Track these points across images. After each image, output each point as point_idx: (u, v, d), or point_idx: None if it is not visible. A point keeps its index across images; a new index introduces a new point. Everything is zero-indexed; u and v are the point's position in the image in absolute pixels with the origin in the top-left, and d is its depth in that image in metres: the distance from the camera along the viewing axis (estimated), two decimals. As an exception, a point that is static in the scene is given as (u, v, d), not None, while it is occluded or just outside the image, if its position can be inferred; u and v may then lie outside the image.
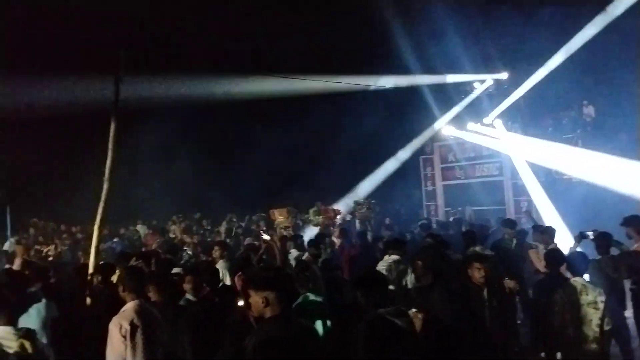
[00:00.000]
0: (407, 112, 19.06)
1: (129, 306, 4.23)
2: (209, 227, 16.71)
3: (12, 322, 3.15)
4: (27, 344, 3.02)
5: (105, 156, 7.40)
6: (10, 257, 9.08)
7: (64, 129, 14.62)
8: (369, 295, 3.87)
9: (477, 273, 5.05)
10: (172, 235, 14.98)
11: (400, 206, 19.22)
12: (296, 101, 17.33)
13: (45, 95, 15.51)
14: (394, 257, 6.90)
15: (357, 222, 15.83)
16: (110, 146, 7.43)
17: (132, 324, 4.04)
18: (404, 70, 16.77)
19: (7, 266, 8.50)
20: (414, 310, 4.15)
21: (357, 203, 15.71)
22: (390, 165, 19.47)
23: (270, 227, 14.71)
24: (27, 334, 3.09)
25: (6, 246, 14.14)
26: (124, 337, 4.00)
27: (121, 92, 7.15)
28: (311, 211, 16.01)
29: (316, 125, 18.54)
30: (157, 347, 4.19)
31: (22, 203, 15.49)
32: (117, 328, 4.02)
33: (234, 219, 17.36)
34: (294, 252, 8.11)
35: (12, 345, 3.03)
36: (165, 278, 5.56)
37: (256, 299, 3.14)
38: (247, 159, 19.04)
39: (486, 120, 17.62)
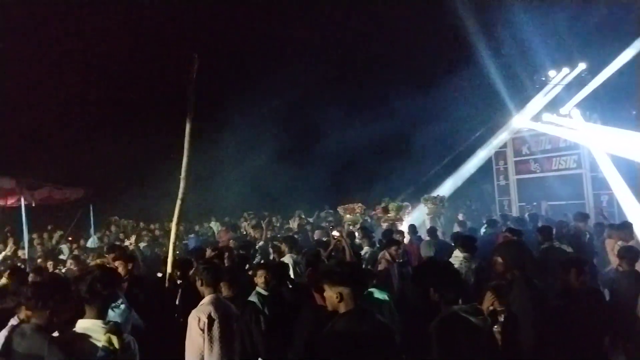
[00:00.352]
0: (479, 104, 18.53)
1: (207, 300, 4.37)
2: (277, 224, 16.97)
3: (101, 315, 3.29)
4: (114, 339, 3.15)
5: (181, 156, 7.73)
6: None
7: (143, 130, 15.32)
8: (443, 292, 3.78)
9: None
10: (243, 232, 15.34)
11: (472, 201, 18.72)
12: (364, 96, 17.30)
13: (124, 98, 16.38)
14: (464, 253, 6.74)
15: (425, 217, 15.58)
16: (185, 146, 7.74)
17: (209, 317, 4.17)
18: (478, 61, 16.31)
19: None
20: (490, 308, 4.02)
21: (426, 199, 15.41)
22: (463, 160, 18.95)
23: (339, 224, 14.74)
24: (114, 327, 3.23)
25: (89, 243, 15.03)
26: (202, 329, 4.13)
27: (196, 92, 7.40)
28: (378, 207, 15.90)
29: (386, 122, 18.40)
30: (233, 339, 4.32)
31: (104, 202, 16.33)
32: (196, 321, 4.17)
33: (303, 216, 17.57)
34: (366, 249, 8.09)
35: (100, 338, 3.17)
36: (239, 273, 5.72)
37: (330, 293, 3.16)
38: (317, 156, 19.17)
39: (563, 110, 16.82)
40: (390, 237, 8.41)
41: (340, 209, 15.59)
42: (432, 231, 10.38)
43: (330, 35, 16.65)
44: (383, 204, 15.39)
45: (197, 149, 7.67)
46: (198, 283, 4.54)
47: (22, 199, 11.67)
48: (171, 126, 8.55)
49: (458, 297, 3.73)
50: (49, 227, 15.53)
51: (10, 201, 12.70)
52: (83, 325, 3.21)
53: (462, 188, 18.47)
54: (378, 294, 5.10)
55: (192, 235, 15.66)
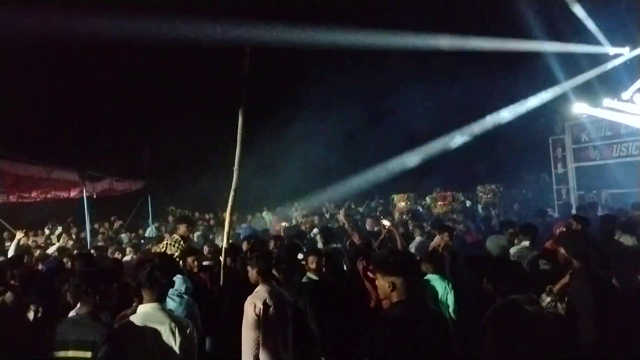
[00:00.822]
0: (534, 89, 17.91)
1: (262, 287, 4.48)
2: (327, 215, 17.05)
3: (159, 301, 3.48)
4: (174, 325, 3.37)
5: (234, 147, 7.89)
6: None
7: (198, 123, 15.68)
8: (497, 281, 3.73)
9: None
10: (293, 222, 15.52)
11: (528, 190, 18.21)
12: (420, 84, 17.03)
13: (180, 91, 16.81)
14: (525, 243, 6.56)
15: (479, 207, 15.32)
16: (238, 138, 7.90)
17: (265, 303, 4.30)
18: (534, 44, 15.73)
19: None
20: (548, 298, 3.93)
21: (480, 188, 15.12)
22: (515, 147, 18.41)
23: (390, 213, 14.70)
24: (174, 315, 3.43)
25: (147, 232, 15.61)
26: (258, 315, 4.25)
27: (248, 84, 7.51)
28: (428, 197, 15.76)
29: (435, 110, 18.10)
30: (287, 325, 4.42)
31: (162, 193, 16.87)
32: (252, 307, 4.28)
33: (352, 205, 17.61)
34: (418, 239, 8.02)
35: (160, 320, 3.37)
36: (291, 261, 5.82)
37: (382, 283, 3.16)
38: (367, 146, 19.10)
39: (624, 95, 16.03)
40: (441, 224, 8.29)
41: (391, 198, 15.54)
42: (486, 220, 10.20)
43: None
44: (434, 194, 15.23)
45: (251, 141, 7.78)
46: (251, 271, 4.65)
47: (84, 191, 12.21)
48: (226, 118, 8.71)
49: (512, 287, 3.67)
50: (112, 218, 16.17)
51: (73, 193, 13.32)
52: (142, 310, 3.44)
53: (518, 177, 18.00)
54: (437, 282, 5.03)
55: (245, 225, 15.97)
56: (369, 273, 5.79)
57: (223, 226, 12.54)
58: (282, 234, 11.16)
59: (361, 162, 18.93)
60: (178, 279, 5.12)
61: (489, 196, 14.75)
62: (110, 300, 3.83)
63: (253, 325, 4.25)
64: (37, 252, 10.12)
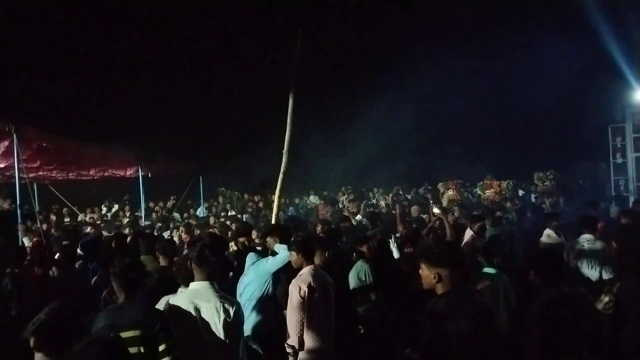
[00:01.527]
0: (593, 74, 17.14)
1: (306, 270, 4.54)
2: (373, 200, 16.99)
3: (209, 278, 3.67)
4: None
5: (284, 131, 7.99)
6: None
7: (249, 106, 15.90)
8: (543, 274, 3.65)
9: None
10: (340, 206, 15.57)
11: (584, 180, 17.51)
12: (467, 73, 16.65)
13: (231, 75, 17.04)
14: (587, 235, 6.26)
15: (533, 196, 14.89)
16: (288, 121, 7.99)
17: (309, 286, 4.36)
18: (594, 29, 15.03)
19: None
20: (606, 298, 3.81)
21: (537, 176, 14.64)
22: (572, 135, 17.66)
23: (438, 201, 14.51)
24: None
25: (198, 212, 16.03)
26: (302, 298, 4.33)
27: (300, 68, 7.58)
28: (478, 186, 15.44)
29: (487, 97, 17.66)
30: (330, 307, 4.51)
31: (213, 174, 17.23)
32: (297, 290, 4.37)
33: (400, 192, 17.46)
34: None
35: (207, 298, 3.56)
36: (333, 245, 5.86)
37: (427, 273, 3.13)
38: (415, 131, 18.84)
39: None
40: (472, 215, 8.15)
41: (440, 186, 15.29)
42: (536, 209, 9.91)
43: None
44: (486, 181, 14.88)
45: (301, 125, 7.85)
46: (295, 255, 4.69)
47: (140, 170, 12.65)
48: (277, 102, 8.82)
49: (559, 280, 3.59)
50: (172, 198, 16.58)
51: (129, 172, 13.82)
52: (193, 287, 3.68)
53: (574, 166, 17.34)
54: (487, 269, 4.94)
55: (292, 208, 16.16)
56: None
57: (271, 208, 12.77)
58: (328, 217, 11.25)
59: (410, 147, 18.73)
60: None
61: (545, 184, 14.23)
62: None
63: (298, 307, 4.33)
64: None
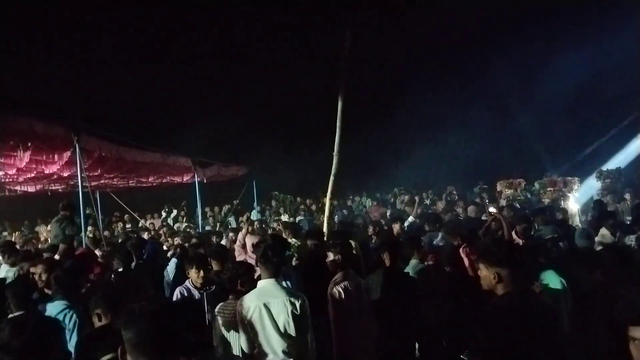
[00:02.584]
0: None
1: (340, 274, 4.66)
2: (427, 201, 16.72)
3: (274, 276, 3.92)
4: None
5: (334, 133, 7.99)
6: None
7: (301, 109, 16.01)
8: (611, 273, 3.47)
9: None
10: (391, 209, 15.43)
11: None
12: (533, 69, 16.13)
13: (281, 79, 17.19)
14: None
15: (595, 193, 14.21)
16: (338, 123, 7.98)
17: (345, 288, 4.50)
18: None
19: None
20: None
21: (601, 173, 13.97)
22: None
23: (494, 200, 14.11)
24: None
25: (252, 215, 16.25)
26: (339, 300, 4.46)
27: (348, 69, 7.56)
28: (537, 183, 14.88)
29: (545, 94, 17.01)
30: (364, 309, 4.59)
31: (266, 178, 17.42)
32: (335, 292, 4.50)
33: (454, 192, 17.12)
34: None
35: (275, 294, 3.80)
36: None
37: (487, 273, 3.00)
38: (469, 130, 18.42)
39: None
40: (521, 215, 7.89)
41: (499, 184, 14.84)
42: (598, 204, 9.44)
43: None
44: (544, 179, 14.34)
45: (353, 129, 7.82)
46: (332, 257, 4.88)
47: (196, 176, 12.96)
48: (327, 105, 8.82)
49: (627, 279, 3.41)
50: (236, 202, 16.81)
51: (186, 178, 14.20)
52: (261, 285, 3.93)
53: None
54: (551, 278, 4.52)
55: (343, 211, 16.11)
56: (472, 260, 5.62)
57: (324, 211, 12.75)
58: (381, 219, 11.17)
59: (462, 145, 18.35)
60: None
61: (607, 181, 13.57)
62: None
63: (336, 308, 4.47)
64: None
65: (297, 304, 3.81)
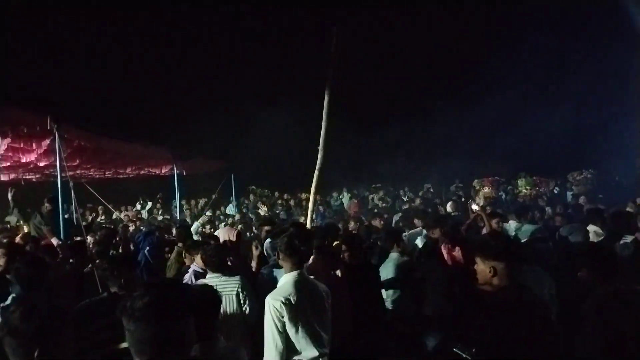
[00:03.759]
0: (629, 72, 16.66)
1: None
2: (405, 197, 16.92)
3: (299, 267, 3.64)
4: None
5: (319, 128, 7.99)
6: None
7: (282, 104, 15.94)
8: (598, 270, 3.57)
9: None
10: (369, 205, 15.56)
11: (621, 178, 17.06)
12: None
13: (262, 74, 17.13)
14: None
15: (569, 194, 14.63)
16: (324, 117, 7.98)
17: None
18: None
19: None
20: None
21: (572, 175, 14.38)
22: (608, 132, 17.09)
23: (470, 198, 14.37)
24: None
25: (229, 210, 16.17)
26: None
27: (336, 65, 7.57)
28: (518, 182, 15.21)
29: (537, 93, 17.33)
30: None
31: (244, 171, 17.33)
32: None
33: (431, 190, 17.36)
34: (512, 224, 7.74)
35: (309, 286, 3.62)
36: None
37: (483, 267, 3.06)
38: (454, 129, 18.63)
39: None
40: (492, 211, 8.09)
41: (475, 183, 15.12)
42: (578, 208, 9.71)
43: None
44: (521, 179, 14.67)
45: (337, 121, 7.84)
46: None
47: (175, 168, 12.81)
48: (311, 99, 8.83)
49: (612, 275, 3.51)
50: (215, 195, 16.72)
51: (165, 170, 14.01)
52: (285, 279, 3.63)
53: (611, 163, 16.86)
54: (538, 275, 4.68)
55: (321, 207, 16.16)
56: (454, 255, 5.73)
57: (301, 206, 12.72)
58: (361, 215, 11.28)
59: (442, 145, 18.54)
60: None
61: (580, 183, 13.98)
62: None
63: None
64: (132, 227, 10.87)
65: (329, 298, 3.69)
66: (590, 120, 17.48)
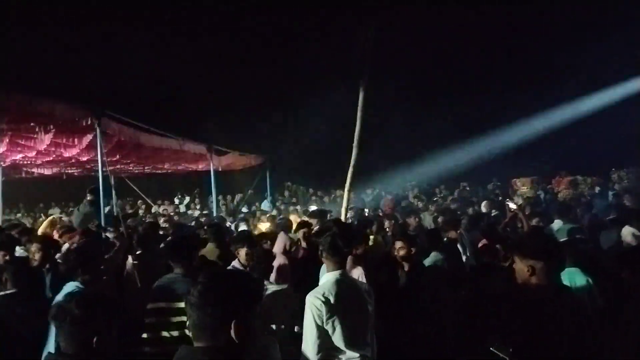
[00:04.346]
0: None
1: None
2: (441, 195, 16.72)
3: (341, 267, 3.60)
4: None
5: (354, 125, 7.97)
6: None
7: (319, 101, 15.96)
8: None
9: None
10: (403, 203, 15.43)
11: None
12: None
13: (300, 70, 17.17)
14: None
15: (610, 193, 14.15)
16: (358, 114, 7.96)
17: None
18: None
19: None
20: None
21: (615, 173, 13.92)
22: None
23: (509, 197, 14.10)
24: None
25: (263, 205, 16.31)
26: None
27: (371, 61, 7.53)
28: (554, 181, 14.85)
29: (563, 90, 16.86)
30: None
31: (279, 168, 17.43)
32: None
33: (467, 188, 17.13)
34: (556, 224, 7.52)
35: (356, 285, 3.62)
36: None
37: (521, 266, 2.97)
38: (489, 127, 18.32)
39: None
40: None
41: (514, 181, 14.79)
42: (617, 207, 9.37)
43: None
44: (566, 177, 14.23)
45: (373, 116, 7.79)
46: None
47: (211, 164, 12.99)
48: (347, 95, 8.80)
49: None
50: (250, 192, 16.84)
51: (201, 165, 14.24)
52: (326, 279, 3.59)
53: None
54: (577, 277, 4.46)
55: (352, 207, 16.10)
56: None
57: (335, 203, 12.71)
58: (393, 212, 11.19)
59: (479, 141, 18.24)
60: None
61: (624, 182, 13.50)
62: None
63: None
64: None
65: (372, 299, 3.60)
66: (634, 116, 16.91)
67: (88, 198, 8.22)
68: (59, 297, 3.66)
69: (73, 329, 2.12)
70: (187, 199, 16.97)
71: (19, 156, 10.57)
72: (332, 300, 3.37)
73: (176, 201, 17.11)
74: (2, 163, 11.81)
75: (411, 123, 18.63)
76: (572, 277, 4.46)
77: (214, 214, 13.21)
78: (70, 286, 3.89)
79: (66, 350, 2.14)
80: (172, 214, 13.75)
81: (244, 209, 16.06)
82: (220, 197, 16.69)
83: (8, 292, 3.89)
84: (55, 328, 2.16)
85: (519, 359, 2.89)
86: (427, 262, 5.67)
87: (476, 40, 17.17)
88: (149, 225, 8.36)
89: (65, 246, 6.32)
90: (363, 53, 7.76)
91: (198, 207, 16.56)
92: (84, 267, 3.97)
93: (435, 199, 15.68)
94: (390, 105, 17.18)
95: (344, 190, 8.46)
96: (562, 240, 5.92)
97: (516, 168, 16.46)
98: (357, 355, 3.39)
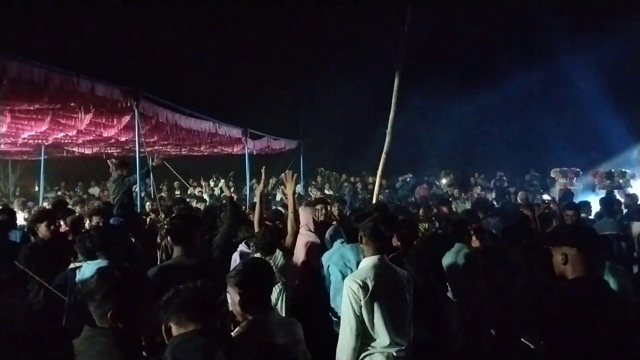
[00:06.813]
0: None
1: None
2: (476, 184, 16.44)
3: (380, 252, 3.49)
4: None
5: (389, 111, 7.88)
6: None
7: (354, 87, 15.90)
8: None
9: None
10: (435, 190, 15.28)
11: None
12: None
13: (334, 55, 17.11)
14: None
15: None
16: (393, 101, 7.86)
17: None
18: None
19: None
20: None
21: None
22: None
23: (546, 188, 13.80)
24: None
25: (298, 189, 16.37)
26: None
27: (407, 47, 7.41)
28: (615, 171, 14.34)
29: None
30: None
31: (313, 153, 17.46)
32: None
33: (504, 177, 16.81)
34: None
35: (395, 270, 3.53)
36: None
37: (556, 256, 2.86)
38: (520, 118, 17.91)
39: None
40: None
41: (553, 173, 14.38)
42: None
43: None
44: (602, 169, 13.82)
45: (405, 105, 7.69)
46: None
47: (246, 148, 13.10)
48: (380, 82, 8.72)
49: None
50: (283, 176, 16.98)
51: (237, 149, 14.38)
52: (365, 264, 3.51)
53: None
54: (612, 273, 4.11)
55: (387, 190, 16.04)
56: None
57: (367, 189, 12.63)
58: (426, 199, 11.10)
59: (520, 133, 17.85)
60: None
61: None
62: None
63: None
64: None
65: (411, 287, 3.52)
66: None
67: (116, 173, 8.26)
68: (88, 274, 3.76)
69: (89, 302, 2.19)
70: (222, 182, 17.15)
71: (60, 135, 10.87)
72: (370, 285, 3.29)
73: (211, 184, 17.35)
74: (44, 142, 12.18)
75: (450, 108, 18.37)
76: (609, 271, 4.32)
77: (248, 198, 13.35)
78: (96, 264, 4.02)
79: (102, 324, 2.20)
80: (204, 194, 13.95)
81: (278, 193, 16.17)
82: (254, 181, 16.82)
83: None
84: (89, 305, 2.21)
85: (551, 353, 2.82)
86: (450, 253, 5.51)
87: (520, 25, 16.77)
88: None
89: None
90: (400, 38, 7.64)
91: (232, 190, 16.73)
92: (109, 245, 4.15)
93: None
94: (427, 90, 16.92)
95: (376, 177, 8.40)
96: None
97: (556, 158, 16.03)
98: (391, 342, 3.29)
